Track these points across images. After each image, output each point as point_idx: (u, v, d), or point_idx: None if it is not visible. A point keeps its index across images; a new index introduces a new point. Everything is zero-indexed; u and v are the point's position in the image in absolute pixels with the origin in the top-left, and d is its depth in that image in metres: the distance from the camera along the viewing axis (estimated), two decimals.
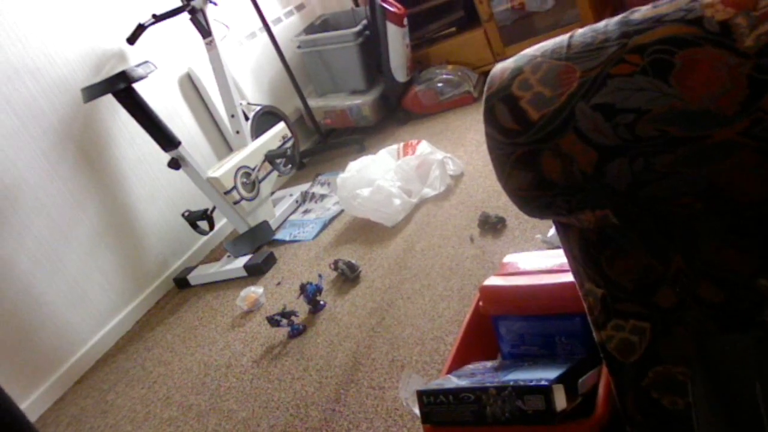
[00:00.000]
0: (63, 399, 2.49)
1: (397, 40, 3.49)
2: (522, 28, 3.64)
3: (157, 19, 2.91)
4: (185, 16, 3.00)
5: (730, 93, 0.61)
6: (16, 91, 2.53)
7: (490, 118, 0.74)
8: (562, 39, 0.72)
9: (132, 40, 2.87)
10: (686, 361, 0.82)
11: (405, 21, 3.51)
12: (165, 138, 2.72)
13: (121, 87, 2.53)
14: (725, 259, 0.74)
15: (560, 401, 1.11)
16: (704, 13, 0.63)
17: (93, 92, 2.55)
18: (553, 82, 0.69)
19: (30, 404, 2.41)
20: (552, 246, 1.99)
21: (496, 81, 0.74)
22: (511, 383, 1.15)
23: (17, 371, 2.42)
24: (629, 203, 0.71)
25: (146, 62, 2.64)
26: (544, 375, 1.16)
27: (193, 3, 2.98)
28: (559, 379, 1.13)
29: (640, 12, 0.67)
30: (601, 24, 0.70)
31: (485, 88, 0.75)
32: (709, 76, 0.62)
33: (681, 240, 0.75)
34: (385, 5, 3.42)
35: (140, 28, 2.87)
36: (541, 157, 0.72)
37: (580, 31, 0.71)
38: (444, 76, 3.57)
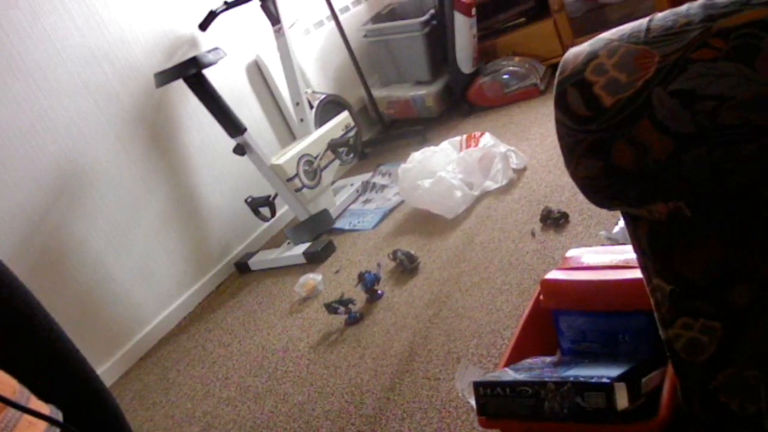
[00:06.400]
0: (128, 374, 2.58)
1: (464, 30, 3.45)
2: (593, 20, 3.54)
3: (229, 6, 2.96)
4: (256, 3, 3.05)
5: None
6: (93, 76, 2.62)
7: (562, 103, 0.72)
8: (641, 22, 0.69)
9: (203, 26, 2.94)
10: (760, 363, 0.78)
11: (473, 11, 3.47)
12: (231, 124, 2.77)
13: (191, 73, 2.59)
14: None
15: (622, 400, 1.08)
16: None
17: (165, 77, 2.62)
18: (630, 67, 0.67)
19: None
20: (616, 242, 1.94)
21: (569, 65, 0.72)
22: (571, 379, 1.13)
23: (87, 345, 2.49)
24: (706, 194, 0.68)
25: (216, 48, 2.69)
26: (606, 372, 1.13)
27: None
28: (621, 377, 1.10)
29: None
30: (683, 7, 0.67)
31: (557, 73, 0.74)
32: None
33: (759, 234, 0.72)
34: None
35: (212, 15, 2.93)
36: (613, 145, 0.69)
37: (660, 14, 0.69)
38: (510, 68, 3.51)
